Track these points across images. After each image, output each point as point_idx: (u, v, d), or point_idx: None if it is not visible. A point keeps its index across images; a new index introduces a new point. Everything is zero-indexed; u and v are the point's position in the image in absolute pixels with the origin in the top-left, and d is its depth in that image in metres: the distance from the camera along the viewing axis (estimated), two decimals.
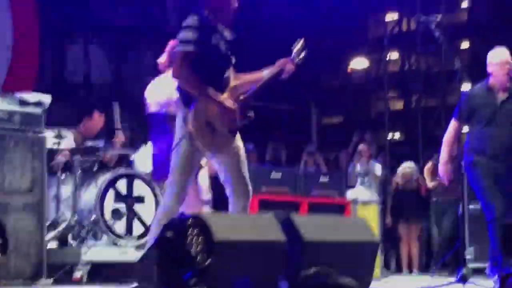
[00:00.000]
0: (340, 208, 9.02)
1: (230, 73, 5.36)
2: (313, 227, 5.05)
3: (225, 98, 5.19)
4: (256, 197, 7.88)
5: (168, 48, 6.62)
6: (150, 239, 5.26)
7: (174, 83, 5.36)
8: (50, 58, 11.10)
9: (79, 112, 8.77)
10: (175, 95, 5.45)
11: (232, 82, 5.31)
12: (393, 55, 17.38)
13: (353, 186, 10.69)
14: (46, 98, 7.23)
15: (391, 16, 17.67)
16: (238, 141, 5.34)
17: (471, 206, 9.60)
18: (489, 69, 6.83)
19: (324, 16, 18.87)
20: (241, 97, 5.30)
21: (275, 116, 16.74)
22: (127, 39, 13.72)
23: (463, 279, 6.41)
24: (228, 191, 5.33)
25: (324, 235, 5.05)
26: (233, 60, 5.37)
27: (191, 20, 5.18)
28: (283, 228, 4.82)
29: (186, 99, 5.17)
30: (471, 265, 9.48)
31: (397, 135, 19.20)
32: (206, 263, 4.00)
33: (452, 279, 6.68)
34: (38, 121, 7.21)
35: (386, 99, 15.77)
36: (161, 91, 6.79)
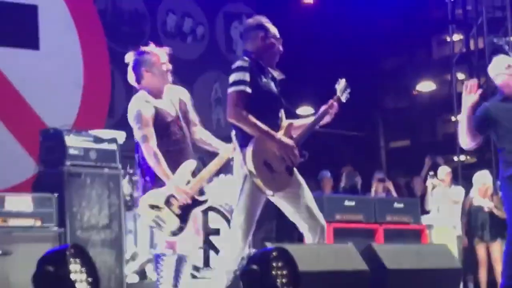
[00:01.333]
0: (416, 234, 8.92)
1: (282, 113, 5.39)
2: (395, 254, 5.03)
3: (283, 137, 5.20)
4: (331, 226, 7.85)
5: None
6: (216, 277, 5.21)
7: None
8: (121, 94, 11.19)
9: None
10: None
11: (284, 123, 5.32)
12: (460, 75, 17.15)
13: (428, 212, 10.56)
14: (120, 135, 7.34)
15: (457, 37, 17.47)
16: (298, 177, 5.34)
17: None
18: (498, 81, 6.35)
19: (387, 38, 18.83)
20: (294, 137, 5.30)
21: (344, 143, 16.71)
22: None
23: None
24: (301, 228, 5.30)
25: (407, 263, 5.03)
26: (283, 101, 5.40)
27: (242, 62, 5.21)
28: (365, 257, 4.81)
29: (243, 139, 5.18)
30: None
31: (468, 157, 18.94)
32: None
33: None
34: (113, 157, 7.31)
35: (455, 120, 15.59)
36: None
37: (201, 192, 5.60)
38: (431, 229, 9.41)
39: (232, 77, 5.18)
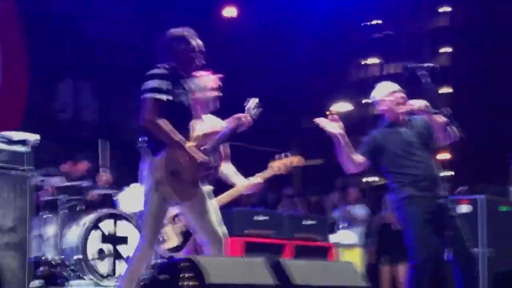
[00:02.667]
0: (324, 251, 8.98)
1: (191, 125, 5.37)
2: (303, 271, 5.05)
3: (194, 148, 5.19)
4: (242, 239, 7.86)
5: None
6: (121, 285, 5.16)
7: None
8: (39, 96, 11.05)
9: (67, 150, 8.76)
10: None
11: (193, 134, 5.32)
12: None
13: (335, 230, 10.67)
14: (33, 137, 7.19)
15: (373, 60, 17.80)
16: (204, 189, 5.35)
17: None
18: (381, 107, 6.53)
19: (308, 57, 19.00)
20: (205, 147, 5.31)
21: (259, 158, 16.71)
22: (115, 77, 13.71)
23: None
24: (199, 240, 5.32)
25: (314, 279, 5.05)
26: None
27: (160, 69, 5.21)
28: (274, 272, 4.82)
29: (153, 146, 5.16)
30: None
31: (377, 178, 19.23)
32: None
33: None
34: (23, 159, 7.14)
35: None
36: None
37: None
38: (339, 247, 9.49)
39: (149, 84, 5.15)
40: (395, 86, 6.54)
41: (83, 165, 8.85)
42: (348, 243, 9.89)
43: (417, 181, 6.17)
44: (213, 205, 5.47)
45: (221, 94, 5.93)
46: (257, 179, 5.95)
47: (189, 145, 5.16)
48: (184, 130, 5.29)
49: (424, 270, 6.07)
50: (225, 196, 6.01)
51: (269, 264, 4.87)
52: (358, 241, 10.40)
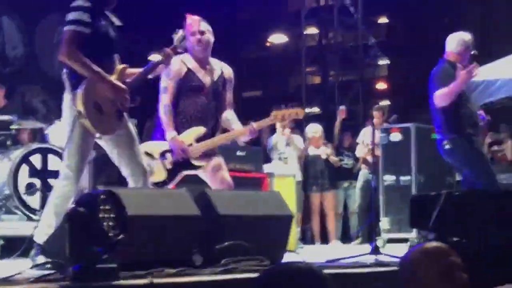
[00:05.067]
0: (257, 182, 9.05)
1: (116, 58, 5.37)
2: (227, 201, 5.10)
3: (115, 80, 5.17)
4: None
5: None
6: (44, 218, 5.15)
7: None
8: None
9: None
10: None
11: (118, 67, 5.30)
12: (311, 30, 17.45)
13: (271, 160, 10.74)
14: None
15: None
16: (127, 123, 5.34)
17: (385, 178, 9.79)
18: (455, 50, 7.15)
19: None
20: (128, 80, 5.30)
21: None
22: (38, 11, 13.42)
23: (376, 250, 6.52)
24: (124, 173, 5.33)
25: (239, 209, 5.10)
26: (119, 46, 5.39)
27: (83, 1, 5.13)
28: (198, 203, 4.85)
29: (74, 79, 5.10)
30: (386, 236, 9.70)
31: (315, 109, 19.36)
32: (119, 238, 3.98)
33: (367, 249, 6.79)
34: None
35: (304, 73, 15.88)
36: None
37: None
38: (273, 177, 9.56)
39: (71, 16, 5.10)
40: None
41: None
42: (282, 173, 9.95)
43: None
44: (137, 140, 5.46)
45: (200, 36, 5.93)
46: (251, 125, 5.94)
47: (110, 77, 5.13)
48: (110, 62, 5.26)
49: None
50: (219, 139, 6.05)
51: (193, 195, 4.89)
52: (294, 170, 10.48)
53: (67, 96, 5.14)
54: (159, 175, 5.83)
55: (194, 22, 5.95)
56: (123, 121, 5.27)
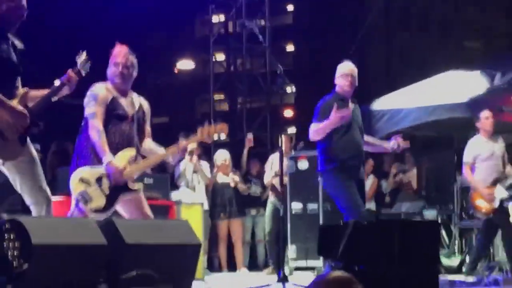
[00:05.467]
0: (164, 210, 8.99)
1: (19, 82, 5.26)
2: (135, 230, 5.03)
3: (16, 105, 5.07)
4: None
5: None
6: None
7: None
8: None
9: None
10: None
11: (20, 91, 5.20)
12: (219, 56, 17.54)
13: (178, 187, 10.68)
14: None
15: (217, 18, 17.82)
16: (30, 149, 5.24)
17: (293, 206, 9.87)
18: (336, 81, 7.32)
19: (151, 14, 18.83)
20: (30, 105, 5.20)
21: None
22: None
23: (284, 278, 6.55)
24: (27, 201, 5.22)
25: (146, 238, 5.05)
26: (21, 69, 5.28)
27: None
28: (104, 231, 4.78)
29: None
30: (293, 264, 9.76)
31: (222, 136, 19.42)
32: (24, 268, 3.90)
33: (275, 278, 6.82)
34: None
35: (211, 100, 15.92)
36: None
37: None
38: (180, 205, 9.52)
39: None
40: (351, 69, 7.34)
41: None
42: (190, 202, 9.92)
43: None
44: (39, 167, 5.35)
45: (123, 70, 5.87)
46: (181, 142, 5.94)
47: (11, 102, 5.01)
48: (12, 86, 5.15)
49: None
50: (154, 159, 6.06)
51: (100, 224, 4.82)
52: (201, 199, 10.45)
53: None
54: (98, 201, 5.68)
55: (121, 53, 5.87)
56: (26, 146, 5.15)
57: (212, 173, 11.10)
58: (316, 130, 7.02)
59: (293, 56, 25.57)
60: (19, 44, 5.24)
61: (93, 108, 5.74)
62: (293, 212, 9.95)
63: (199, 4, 20.29)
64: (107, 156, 5.67)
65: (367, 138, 7.48)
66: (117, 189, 5.74)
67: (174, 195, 9.90)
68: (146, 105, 6.13)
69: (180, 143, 5.92)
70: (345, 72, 7.25)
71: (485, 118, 8.81)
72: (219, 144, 14.97)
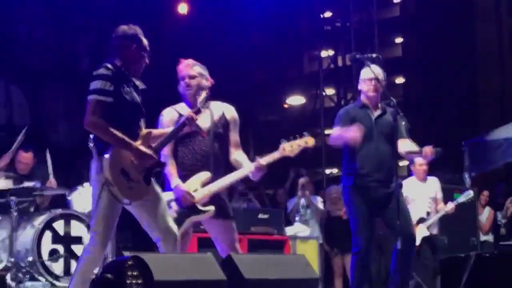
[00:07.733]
0: (280, 245, 9.03)
1: (142, 123, 5.38)
2: (253, 265, 5.07)
3: (140, 145, 5.18)
4: (195, 236, 7.84)
5: None
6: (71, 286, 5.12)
7: None
8: None
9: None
10: None
11: (143, 132, 5.31)
12: (329, 91, 17.53)
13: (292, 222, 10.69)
14: None
15: (326, 53, 17.86)
16: (155, 187, 5.34)
17: None
18: (359, 86, 6.89)
19: (260, 51, 19.00)
20: (153, 145, 5.31)
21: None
22: (42, 82, 13.59)
23: None
24: (154, 238, 5.29)
25: (265, 273, 5.07)
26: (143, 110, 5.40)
27: (105, 69, 5.15)
28: (223, 267, 4.83)
29: (100, 146, 5.11)
30: None
31: (334, 170, 19.34)
32: None
33: None
34: None
35: (322, 134, 15.90)
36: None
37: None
38: (295, 240, 9.53)
39: (93, 85, 5.11)
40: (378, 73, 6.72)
41: (26, 155, 8.81)
42: (304, 236, 9.92)
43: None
44: (165, 204, 5.43)
45: (189, 80, 5.88)
46: (257, 161, 5.73)
47: (135, 144, 5.14)
48: (136, 127, 5.28)
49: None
50: (223, 181, 5.80)
51: (218, 259, 4.88)
52: (315, 233, 10.43)
53: (94, 163, 5.15)
54: None
55: (184, 66, 5.91)
56: (151, 186, 5.26)
57: (325, 207, 11.06)
58: (331, 136, 6.74)
59: (402, 88, 25.30)
60: (140, 84, 5.37)
61: None
62: None
63: (308, 40, 20.41)
64: (174, 180, 5.73)
65: (402, 147, 6.62)
66: (185, 212, 5.71)
67: (289, 230, 9.92)
68: (230, 112, 6.01)
69: (257, 160, 5.74)
70: (368, 76, 6.71)
71: None
72: (331, 178, 14.93)
